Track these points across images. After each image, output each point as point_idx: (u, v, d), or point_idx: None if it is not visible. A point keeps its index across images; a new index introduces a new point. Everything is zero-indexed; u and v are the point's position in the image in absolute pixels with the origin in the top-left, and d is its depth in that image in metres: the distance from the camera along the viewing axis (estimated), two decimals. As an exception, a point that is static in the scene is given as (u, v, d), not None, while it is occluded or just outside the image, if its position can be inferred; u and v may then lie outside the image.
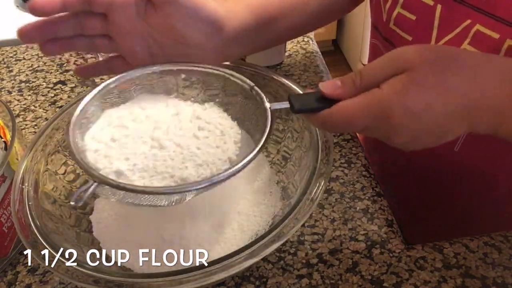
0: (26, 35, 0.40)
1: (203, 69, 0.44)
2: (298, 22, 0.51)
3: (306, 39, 0.78)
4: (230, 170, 0.35)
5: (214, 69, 0.44)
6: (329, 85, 0.35)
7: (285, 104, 0.37)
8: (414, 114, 0.32)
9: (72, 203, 0.33)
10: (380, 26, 0.55)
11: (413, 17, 0.48)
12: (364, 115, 0.33)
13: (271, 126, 0.37)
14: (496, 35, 0.41)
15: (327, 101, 0.35)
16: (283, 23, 0.50)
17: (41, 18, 0.40)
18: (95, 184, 0.33)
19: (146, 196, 0.35)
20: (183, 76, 0.45)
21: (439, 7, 0.45)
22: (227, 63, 0.49)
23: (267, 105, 0.38)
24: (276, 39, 0.52)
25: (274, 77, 0.48)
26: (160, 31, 0.42)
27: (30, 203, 0.40)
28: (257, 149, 0.36)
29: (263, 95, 0.39)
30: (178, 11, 0.40)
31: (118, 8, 0.40)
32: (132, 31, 0.41)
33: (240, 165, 0.35)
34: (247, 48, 0.49)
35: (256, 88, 0.41)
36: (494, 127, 0.35)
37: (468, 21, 0.43)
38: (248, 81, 0.42)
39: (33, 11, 0.38)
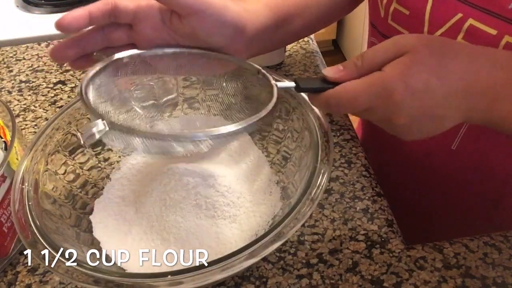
0: (57, 54, 0.40)
1: (213, 55, 0.44)
2: (312, 19, 0.53)
3: (306, 39, 0.78)
4: (235, 127, 0.35)
5: (225, 55, 0.44)
6: (331, 69, 0.37)
7: (291, 83, 0.39)
8: (415, 92, 0.33)
9: (82, 141, 0.33)
10: (378, 23, 0.55)
11: (407, 12, 0.49)
12: (367, 93, 0.34)
13: (276, 101, 0.38)
14: (493, 31, 0.42)
15: (331, 84, 0.36)
16: (299, 21, 0.51)
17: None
18: (106, 125, 0.33)
19: (154, 141, 0.35)
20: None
21: (430, 1, 0.46)
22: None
23: (273, 82, 0.40)
24: (291, 37, 0.54)
25: (274, 77, 0.48)
26: (185, 37, 0.42)
27: (30, 203, 0.40)
28: (261, 115, 0.36)
29: (269, 75, 0.41)
30: (202, 20, 0.41)
31: (143, 18, 0.40)
32: (157, 38, 0.42)
33: (246, 124, 0.36)
34: (265, 46, 0.50)
35: (263, 70, 0.42)
36: (488, 115, 0.36)
37: (460, 15, 0.44)
38: (254, 65, 0.43)
39: (60, 28, 0.38)
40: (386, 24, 0.52)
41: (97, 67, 0.39)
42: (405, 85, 0.33)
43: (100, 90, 0.39)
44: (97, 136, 0.33)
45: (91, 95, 0.38)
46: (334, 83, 0.36)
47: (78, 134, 0.35)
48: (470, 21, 0.43)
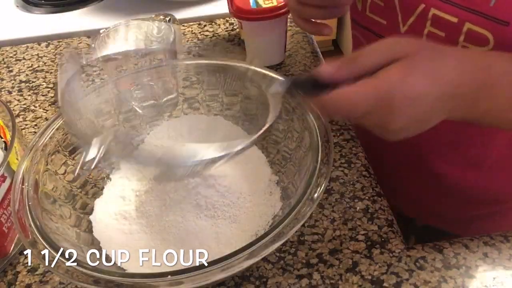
0: None
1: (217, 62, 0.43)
2: None
3: (306, 39, 0.78)
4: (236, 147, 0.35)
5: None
6: (324, 69, 0.36)
7: (283, 85, 0.38)
8: (412, 98, 0.34)
9: (76, 173, 0.32)
10: (357, 16, 0.57)
11: (381, 3, 0.51)
12: (367, 98, 0.34)
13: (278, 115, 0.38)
14: (454, 19, 0.44)
15: (324, 85, 0.36)
16: None
17: None
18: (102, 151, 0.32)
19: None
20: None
21: None
22: (225, 62, 0.49)
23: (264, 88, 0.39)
24: None
25: (274, 76, 0.48)
26: None
27: (30, 203, 0.40)
28: (265, 127, 0.37)
29: (261, 83, 0.41)
30: None
31: None
32: None
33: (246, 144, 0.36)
34: None
35: (252, 76, 0.42)
36: (468, 114, 0.38)
37: (423, 6, 0.46)
38: (243, 64, 0.43)
39: None
40: (364, 15, 0.55)
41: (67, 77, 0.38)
42: (404, 91, 0.34)
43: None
44: (93, 166, 0.32)
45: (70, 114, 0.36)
46: (328, 84, 0.36)
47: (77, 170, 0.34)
48: (433, 10, 0.45)
